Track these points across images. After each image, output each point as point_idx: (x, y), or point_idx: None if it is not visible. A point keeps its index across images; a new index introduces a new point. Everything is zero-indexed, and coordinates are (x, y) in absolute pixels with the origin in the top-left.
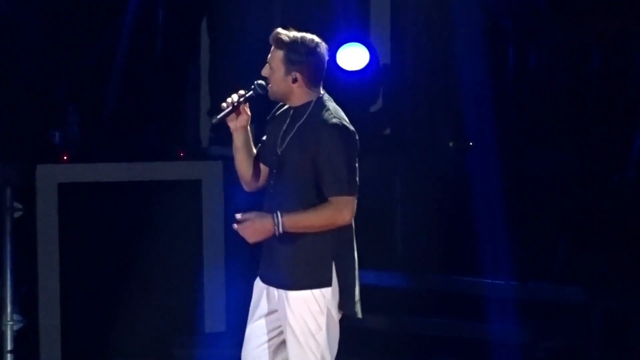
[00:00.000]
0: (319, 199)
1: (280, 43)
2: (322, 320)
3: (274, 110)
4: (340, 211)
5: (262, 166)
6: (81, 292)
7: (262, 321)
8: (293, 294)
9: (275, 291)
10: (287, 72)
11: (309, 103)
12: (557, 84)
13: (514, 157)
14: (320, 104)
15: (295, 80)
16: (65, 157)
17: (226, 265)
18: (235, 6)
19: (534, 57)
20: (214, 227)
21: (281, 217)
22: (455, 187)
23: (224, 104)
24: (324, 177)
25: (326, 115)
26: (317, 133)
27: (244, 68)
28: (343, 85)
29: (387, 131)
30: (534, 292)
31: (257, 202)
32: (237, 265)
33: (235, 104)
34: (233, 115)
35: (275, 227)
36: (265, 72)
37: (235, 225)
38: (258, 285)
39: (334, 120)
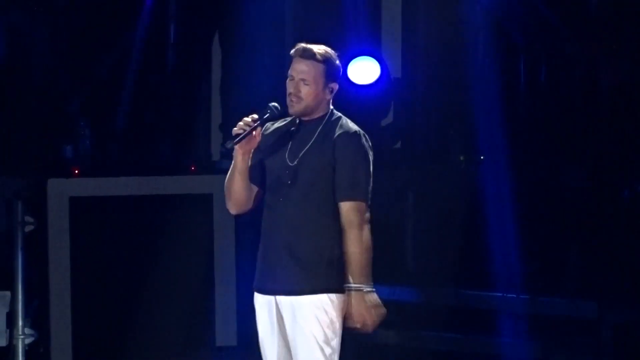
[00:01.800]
0: (335, 205)
1: (319, 56)
2: (337, 327)
3: (266, 126)
4: (362, 217)
5: (252, 187)
6: (92, 306)
7: (275, 336)
8: (308, 299)
9: (284, 299)
10: (326, 85)
11: (324, 115)
12: (568, 98)
13: (524, 171)
14: (334, 115)
15: (331, 92)
16: (76, 171)
17: (237, 279)
18: (246, 21)
19: (545, 72)
20: (225, 241)
21: (361, 283)
22: (466, 200)
23: (239, 129)
24: (342, 181)
25: (346, 124)
26: (338, 141)
27: (255, 82)
28: (354, 99)
29: (398, 145)
30: (545, 307)
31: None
32: (248, 279)
33: (252, 128)
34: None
35: (367, 296)
36: (298, 87)
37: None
38: (259, 300)
39: (356, 129)
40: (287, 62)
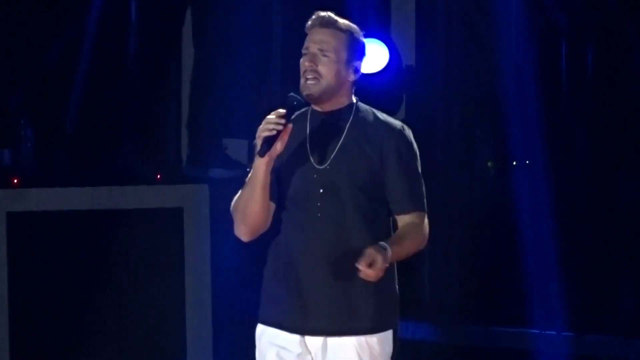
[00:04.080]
0: (387, 216)
1: (342, 25)
2: None
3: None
4: (426, 231)
5: (270, 204)
6: (33, 338)
7: None
8: (375, 338)
9: (317, 340)
10: (350, 61)
11: (351, 105)
12: (621, 91)
13: (566, 181)
14: (362, 106)
15: (356, 72)
16: (15, 181)
17: (213, 306)
18: (226, 1)
19: (592, 59)
20: (198, 263)
21: (390, 250)
22: (495, 217)
23: (269, 131)
24: (402, 190)
25: (384, 115)
26: (386, 137)
27: (236, 75)
28: (357, 90)
29: None
30: (593, 346)
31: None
32: (225, 304)
33: (284, 125)
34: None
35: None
36: (315, 61)
37: (367, 271)
38: (279, 337)
39: (401, 124)
40: (274, 46)
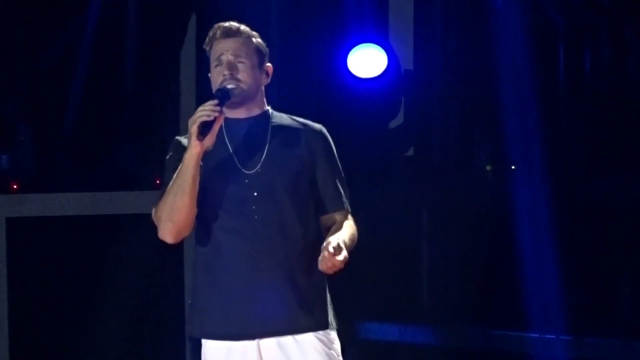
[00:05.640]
0: (315, 217)
1: (247, 30)
2: None
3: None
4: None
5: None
6: (32, 342)
7: None
8: (332, 334)
9: (271, 342)
10: (260, 64)
11: (266, 111)
12: (621, 94)
13: (565, 184)
14: (275, 112)
15: (267, 76)
16: (14, 186)
17: None
18: (221, 2)
19: (590, 62)
20: None
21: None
22: (494, 220)
23: (206, 116)
24: (331, 189)
25: (303, 120)
26: (311, 139)
27: None
28: (355, 95)
29: (410, 152)
30: (591, 350)
31: None
32: None
33: (220, 113)
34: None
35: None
36: (235, 67)
37: (336, 258)
38: (231, 349)
39: (320, 125)
40: (271, 52)
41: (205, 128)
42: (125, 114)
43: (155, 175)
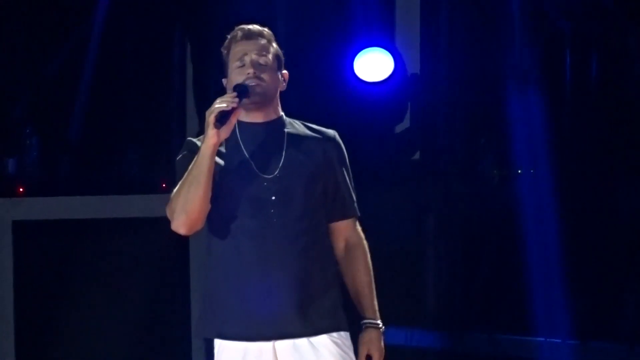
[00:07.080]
0: (325, 221)
1: (269, 33)
2: None
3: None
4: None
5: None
6: (38, 343)
7: None
8: (346, 335)
9: (287, 343)
10: (279, 70)
11: (281, 117)
12: (627, 99)
13: (572, 189)
14: (288, 118)
15: (284, 81)
16: (21, 190)
17: None
18: (228, 4)
19: (596, 66)
20: (203, 272)
21: (377, 318)
22: (500, 225)
23: (226, 106)
24: (343, 195)
25: (317, 127)
26: (328, 145)
27: None
28: (362, 99)
29: (417, 156)
30: (598, 354)
31: None
32: None
33: (238, 105)
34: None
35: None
36: (259, 67)
37: None
38: (247, 350)
39: (334, 132)
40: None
41: (222, 118)
42: (131, 118)
43: (160, 178)
